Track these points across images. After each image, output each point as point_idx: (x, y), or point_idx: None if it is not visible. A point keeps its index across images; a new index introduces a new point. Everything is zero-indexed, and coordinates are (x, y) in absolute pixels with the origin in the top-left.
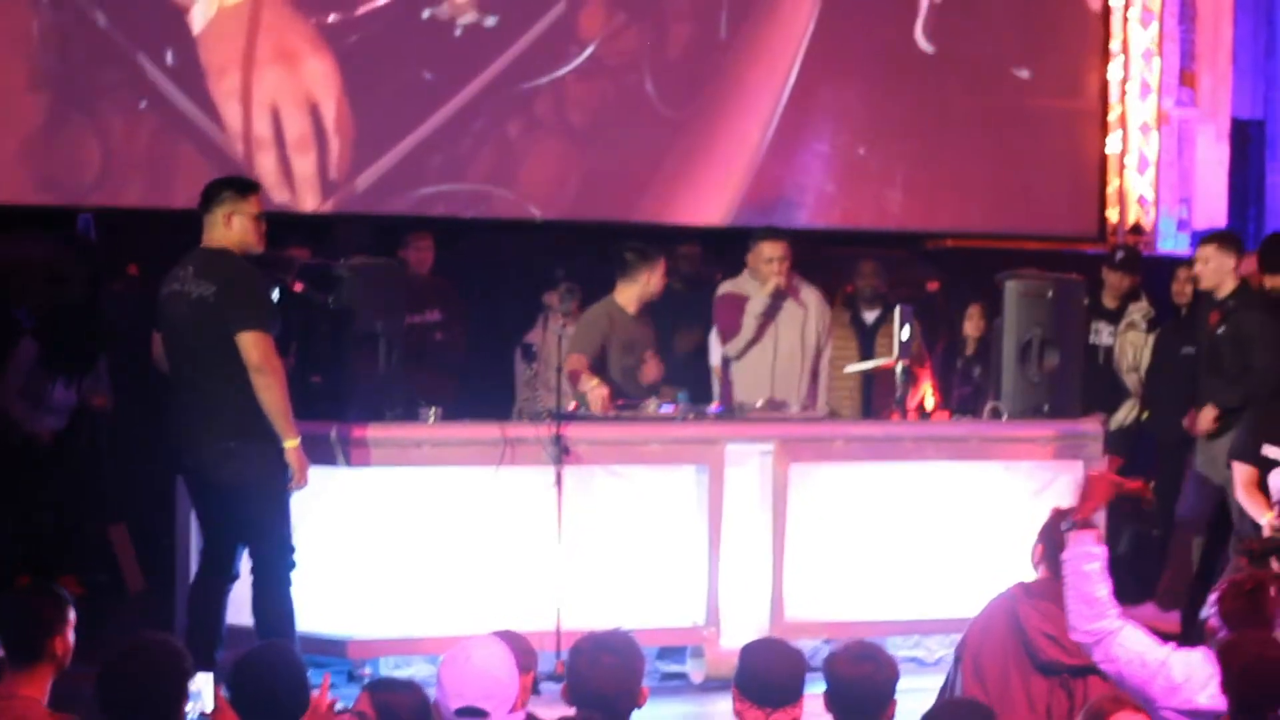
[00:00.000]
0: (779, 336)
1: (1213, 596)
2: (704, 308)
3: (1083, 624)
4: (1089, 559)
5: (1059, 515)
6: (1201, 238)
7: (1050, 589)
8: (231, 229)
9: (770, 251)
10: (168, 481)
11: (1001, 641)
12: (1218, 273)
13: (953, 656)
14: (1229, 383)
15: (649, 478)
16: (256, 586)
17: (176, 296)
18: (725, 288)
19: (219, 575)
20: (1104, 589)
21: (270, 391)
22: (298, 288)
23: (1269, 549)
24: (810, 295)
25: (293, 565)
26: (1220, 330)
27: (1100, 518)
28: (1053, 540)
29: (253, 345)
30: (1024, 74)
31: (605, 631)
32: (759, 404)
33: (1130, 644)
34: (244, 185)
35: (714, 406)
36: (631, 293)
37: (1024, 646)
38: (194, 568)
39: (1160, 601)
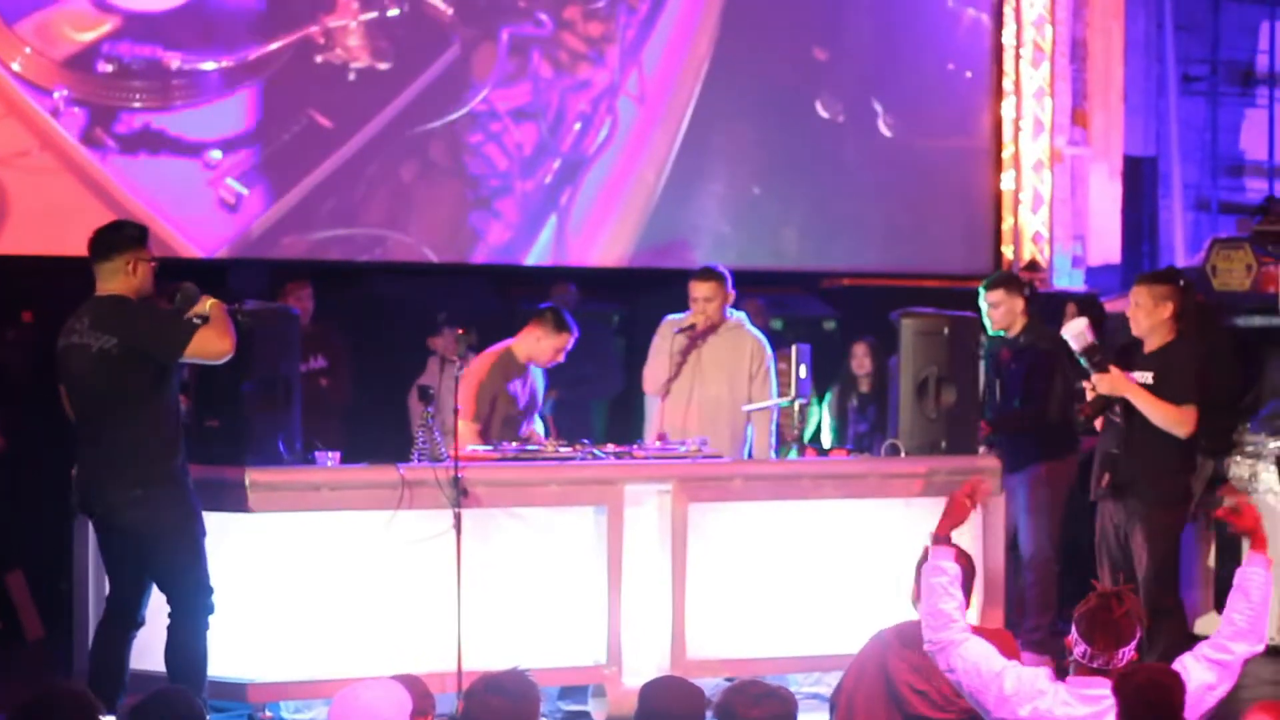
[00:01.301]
0: (704, 376)
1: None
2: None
3: (930, 633)
4: (940, 573)
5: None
6: (989, 281)
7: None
8: (134, 276)
9: (695, 291)
10: (64, 527)
11: (871, 691)
12: (1009, 314)
13: (829, 704)
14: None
15: (548, 519)
16: (172, 631)
17: (76, 350)
18: (664, 323)
19: (125, 622)
20: (951, 603)
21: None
22: (198, 321)
23: (1098, 409)
24: (746, 339)
25: (210, 609)
26: (1012, 365)
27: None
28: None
29: (201, 348)
30: (917, 113)
31: (500, 672)
32: (654, 443)
33: (970, 654)
34: (141, 231)
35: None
36: (523, 347)
37: (893, 699)
38: (94, 615)
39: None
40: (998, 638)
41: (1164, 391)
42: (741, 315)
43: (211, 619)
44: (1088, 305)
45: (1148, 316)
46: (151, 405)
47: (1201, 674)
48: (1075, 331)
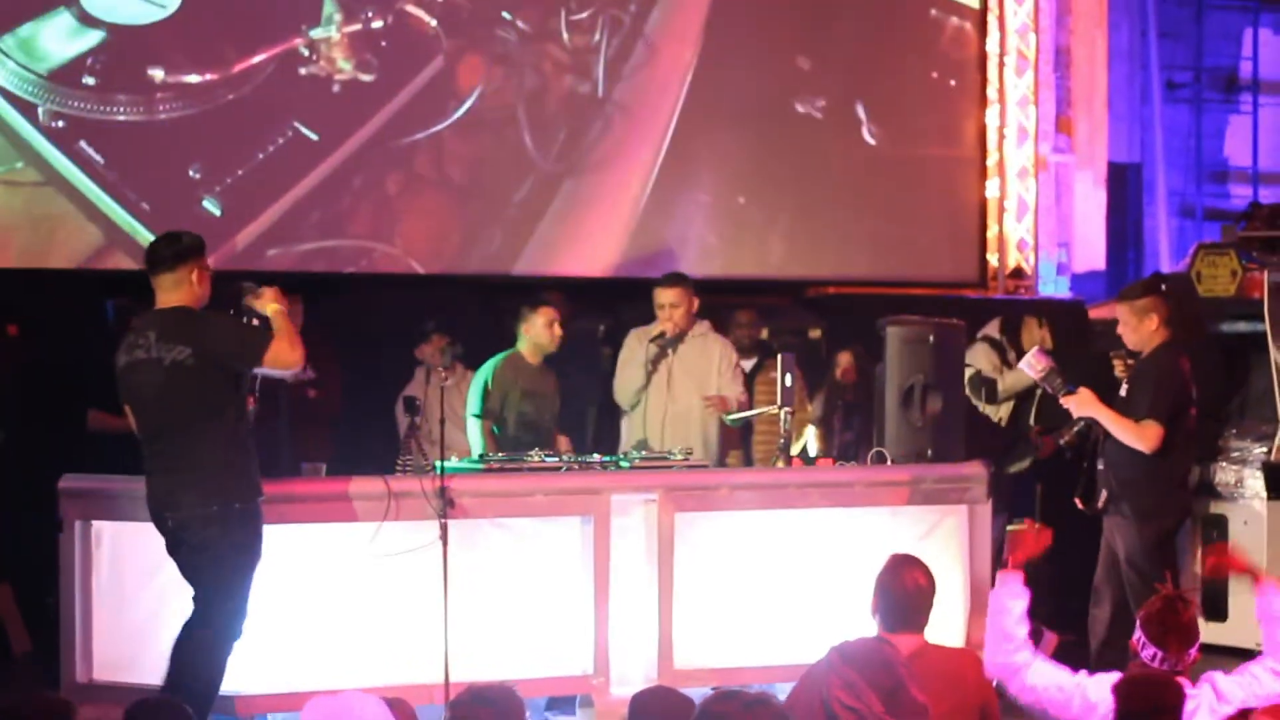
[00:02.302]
0: (674, 385)
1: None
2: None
3: (999, 657)
4: (1011, 597)
5: (893, 563)
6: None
7: (866, 651)
8: (198, 286)
9: (661, 298)
10: (51, 541)
11: (808, 706)
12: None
13: None
14: None
15: (535, 529)
16: (194, 642)
17: (144, 365)
18: (631, 335)
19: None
20: (1022, 628)
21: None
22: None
23: (1075, 431)
24: (713, 344)
25: (239, 634)
26: None
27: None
28: (884, 590)
29: (276, 359)
30: (902, 122)
31: (484, 684)
32: (641, 453)
33: (1045, 674)
34: (200, 240)
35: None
36: (525, 344)
37: (827, 715)
38: (80, 628)
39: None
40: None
41: (1129, 407)
42: (706, 323)
43: (235, 644)
44: (1071, 314)
45: (1135, 331)
46: (226, 417)
47: (1272, 684)
48: (1028, 362)
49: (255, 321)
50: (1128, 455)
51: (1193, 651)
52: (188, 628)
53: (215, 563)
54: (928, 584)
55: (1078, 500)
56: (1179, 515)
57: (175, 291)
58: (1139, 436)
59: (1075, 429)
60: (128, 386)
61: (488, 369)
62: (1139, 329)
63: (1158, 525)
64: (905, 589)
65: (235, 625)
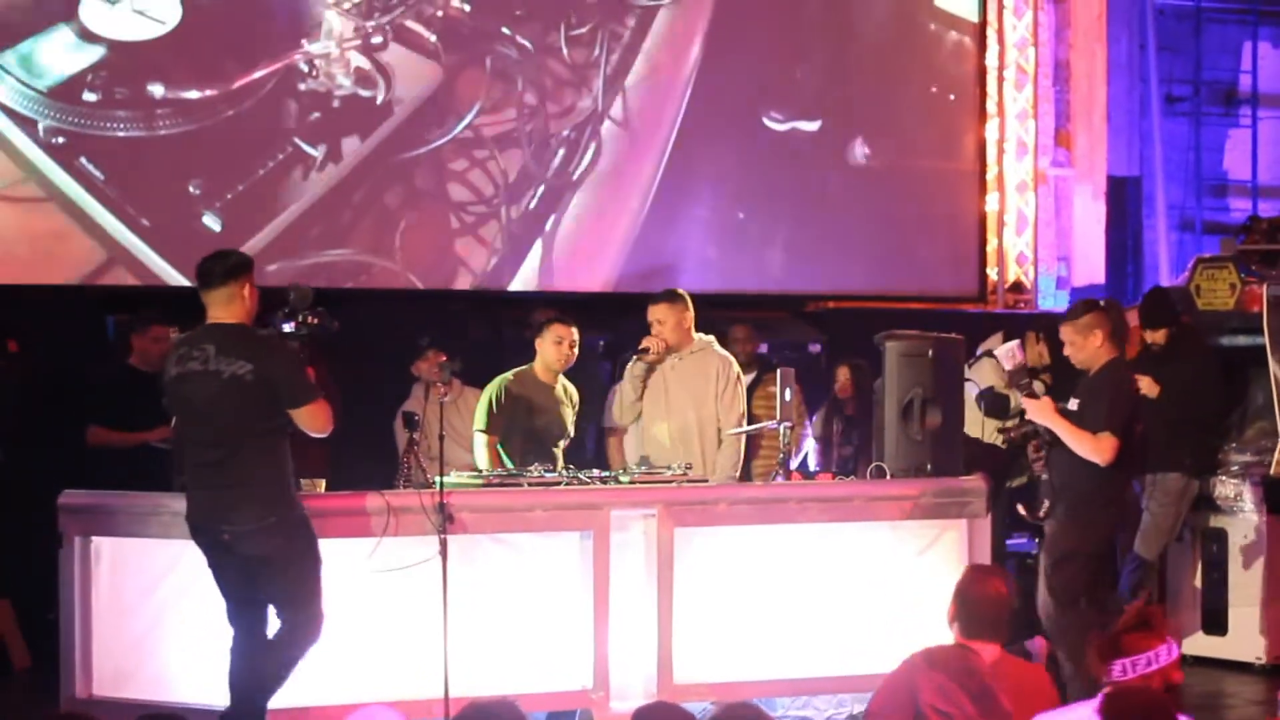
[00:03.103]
0: (671, 401)
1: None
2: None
3: None
4: None
5: (972, 572)
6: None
7: (952, 657)
8: (248, 301)
9: (650, 315)
10: (51, 557)
11: (898, 712)
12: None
13: None
14: None
15: (534, 544)
16: (271, 648)
17: (199, 377)
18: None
19: (257, 645)
20: None
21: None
22: (314, 320)
23: (1023, 432)
24: (712, 360)
25: (316, 639)
26: None
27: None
28: (964, 598)
29: (313, 416)
30: (901, 136)
31: (485, 700)
32: (640, 469)
33: None
34: (248, 258)
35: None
36: (538, 361)
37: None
38: (80, 644)
39: None
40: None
41: (1083, 420)
42: (709, 338)
43: (311, 650)
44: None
45: (1080, 350)
46: (279, 432)
47: None
48: (1007, 351)
49: (312, 320)
50: (1075, 466)
51: (1163, 648)
52: (272, 646)
53: (284, 573)
54: (1008, 592)
55: (1021, 508)
56: (1110, 529)
57: (228, 307)
58: (1095, 449)
59: (1024, 430)
60: (178, 396)
61: (497, 384)
62: (1084, 347)
63: (1088, 537)
64: (988, 597)
65: (316, 631)
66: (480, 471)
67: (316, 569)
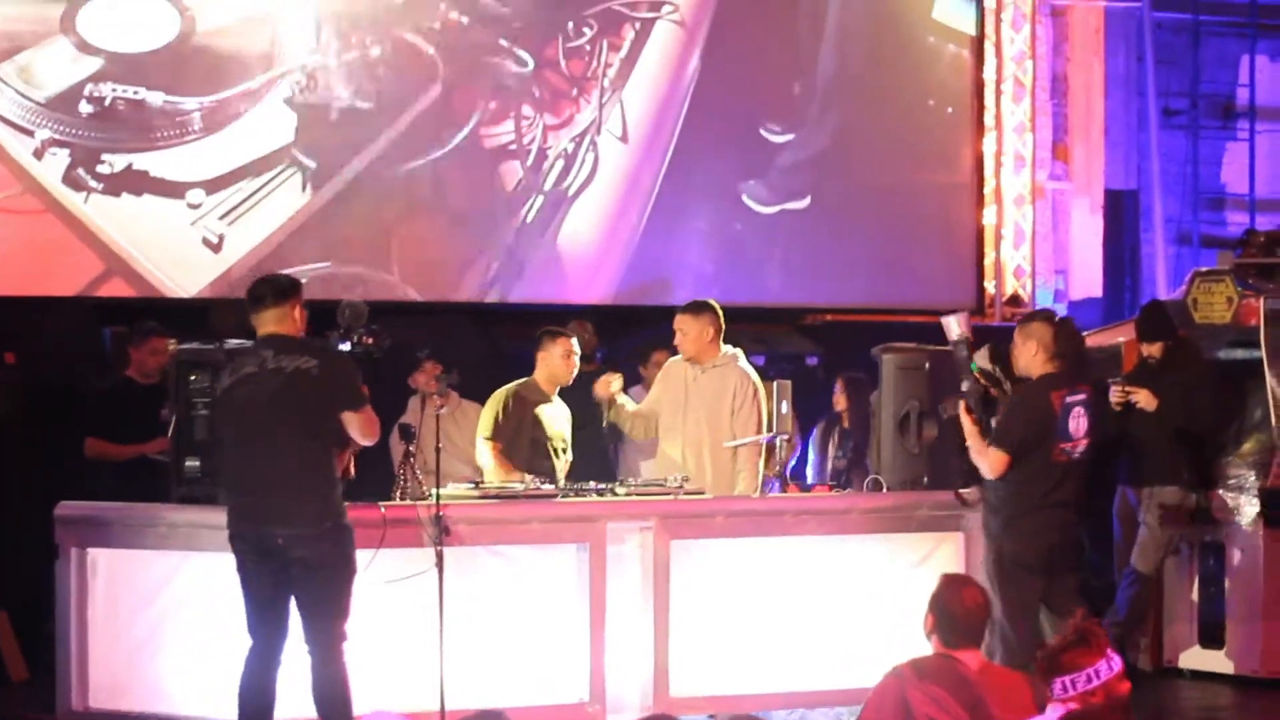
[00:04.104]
0: (687, 413)
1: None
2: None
3: None
4: None
5: (947, 582)
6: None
7: (941, 668)
8: (298, 321)
9: (675, 324)
10: (47, 569)
11: None
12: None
13: None
14: None
15: (530, 556)
16: (319, 667)
17: (261, 376)
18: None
19: (274, 659)
20: None
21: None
22: (369, 340)
23: (946, 416)
24: (731, 374)
25: (346, 637)
26: None
27: None
28: (943, 609)
29: (369, 421)
30: (899, 149)
31: (479, 712)
32: (637, 480)
33: None
34: (298, 281)
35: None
36: (540, 373)
37: None
38: (76, 656)
39: None
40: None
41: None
42: (737, 351)
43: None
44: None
45: (1019, 357)
46: (334, 436)
47: None
48: (955, 319)
49: (367, 339)
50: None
51: (1103, 663)
52: (319, 675)
53: (331, 583)
54: (985, 600)
55: (956, 493)
56: (1023, 546)
57: (279, 324)
58: (983, 459)
59: (948, 415)
60: (233, 402)
61: (503, 394)
62: (1021, 354)
63: (1000, 547)
64: (965, 605)
65: (340, 635)
66: (478, 483)
67: (353, 582)
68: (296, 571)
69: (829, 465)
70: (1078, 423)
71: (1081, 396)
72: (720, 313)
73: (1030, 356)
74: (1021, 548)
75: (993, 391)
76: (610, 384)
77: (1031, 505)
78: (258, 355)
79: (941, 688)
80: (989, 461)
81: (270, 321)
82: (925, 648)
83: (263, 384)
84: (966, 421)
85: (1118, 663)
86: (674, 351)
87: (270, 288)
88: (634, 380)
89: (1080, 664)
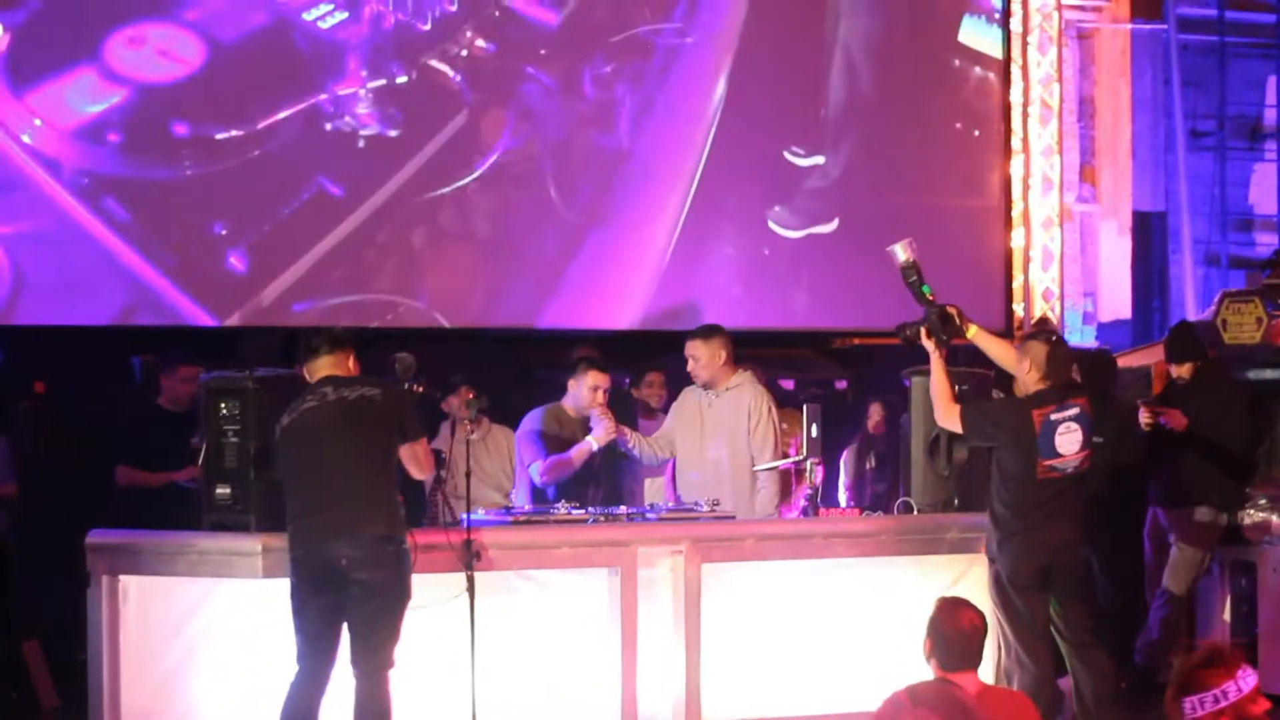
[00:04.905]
0: (706, 437)
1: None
2: None
3: None
4: None
5: (943, 604)
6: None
7: (937, 693)
8: (353, 370)
9: (686, 350)
10: (79, 597)
11: None
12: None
13: None
14: None
15: (561, 581)
16: (365, 691)
17: (319, 408)
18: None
19: (321, 685)
20: None
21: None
22: (419, 389)
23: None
24: (746, 395)
25: (393, 663)
26: None
27: None
28: (939, 632)
29: (426, 455)
30: (926, 172)
31: None
32: (669, 505)
33: None
34: (352, 331)
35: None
36: (569, 398)
37: None
38: (109, 684)
39: None
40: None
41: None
42: (747, 373)
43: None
44: (1099, 361)
45: (1015, 371)
46: (395, 466)
47: None
48: (903, 244)
49: (417, 388)
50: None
51: (1231, 685)
52: (364, 701)
53: (386, 606)
54: (981, 622)
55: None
56: (1018, 565)
57: (335, 369)
58: (946, 411)
59: (907, 336)
60: (294, 434)
61: (536, 420)
62: (1018, 368)
63: (997, 568)
64: (962, 628)
65: (389, 661)
66: (509, 508)
67: (406, 608)
68: (355, 593)
69: (867, 489)
70: (1068, 438)
71: (1073, 411)
72: (729, 336)
73: (1025, 374)
74: (1015, 567)
75: (951, 309)
76: (609, 432)
77: (1024, 524)
78: (317, 392)
79: (937, 714)
80: (943, 409)
81: (326, 367)
82: None
83: (325, 412)
84: (929, 346)
85: (1249, 683)
86: (665, 371)
87: (326, 337)
88: (630, 408)
89: (1209, 684)
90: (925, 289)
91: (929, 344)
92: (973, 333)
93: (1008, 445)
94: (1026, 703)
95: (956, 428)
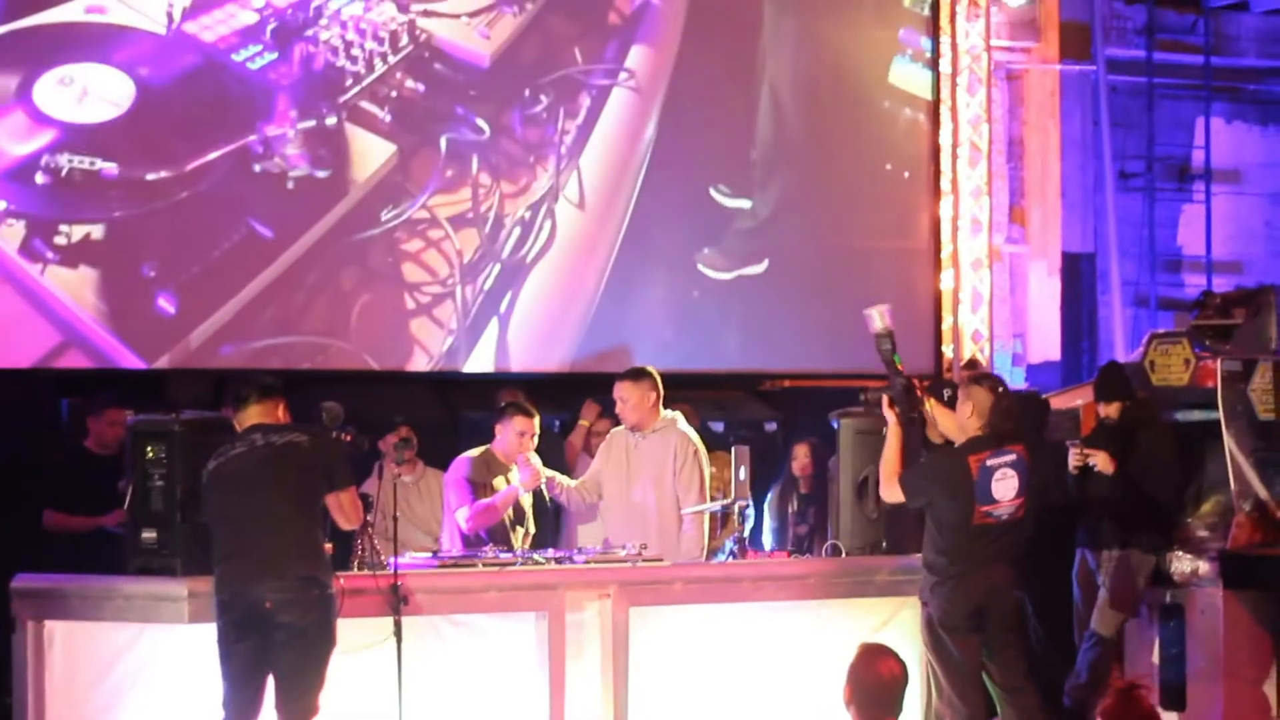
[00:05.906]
0: (632, 479)
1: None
2: None
3: None
4: None
5: (864, 652)
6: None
7: None
8: (283, 418)
9: (615, 392)
10: (4, 641)
11: None
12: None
13: None
14: None
15: (489, 626)
16: None
17: (248, 453)
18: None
19: None
20: None
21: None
22: (347, 438)
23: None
24: (672, 437)
25: (318, 710)
26: None
27: None
28: (858, 680)
29: (352, 503)
30: (856, 214)
31: None
32: (596, 548)
33: None
34: (280, 382)
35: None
36: (498, 444)
37: None
38: None
39: None
40: None
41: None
42: (675, 415)
43: None
44: (1030, 404)
45: (957, 414)
46: (321, 512)
47: None
48: (880, 310)
49: (346, 437)
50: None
51: None
52: None
53: (311, 652)
54: (901, 671)
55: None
56: (950, 608)
57: (264, 418)
58: (886, 483)
59: (867, 401)
60: (220, 479)
61: (465, 466)
62: (959, 413)
63: (929, 612)
64: (881, 677)
65: (315, 713)
66: (436, 552)
67: (331, 655)
68: (280, 638)
69: (789, 532)
70: (1004, 484)
71: (1010, 457)
72: (659, 379)
73: (965, 417)
74: (948, 610)
75: (915, 381)
76: (534, 479)
77: (957, 569)
78: (246, 439)
79: None
80: (886, 486)
81: (255, 416)
82: None
83: (254, 457)
84: (890, 417)
85: None
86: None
87: (255, 386)
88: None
89: None
90: (896, 358)
91: (890, 414)
92: (929, 405)
93: (945, 496)
94: None
95: (899, 499)
